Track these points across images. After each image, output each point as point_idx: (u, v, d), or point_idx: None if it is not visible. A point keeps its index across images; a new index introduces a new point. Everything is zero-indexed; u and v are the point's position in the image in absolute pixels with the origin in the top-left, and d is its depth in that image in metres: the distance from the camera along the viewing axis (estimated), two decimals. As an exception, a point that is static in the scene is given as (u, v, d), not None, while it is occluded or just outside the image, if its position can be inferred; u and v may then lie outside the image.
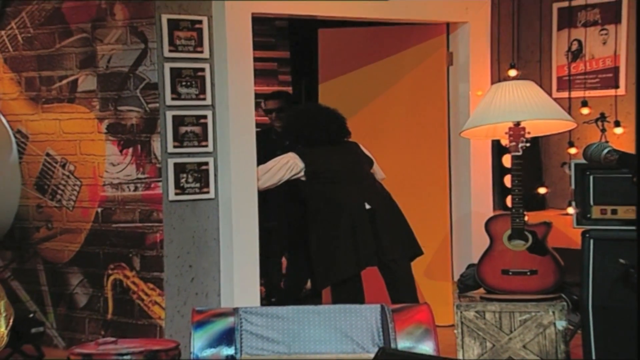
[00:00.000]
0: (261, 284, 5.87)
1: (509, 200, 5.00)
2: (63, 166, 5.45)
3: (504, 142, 4.74)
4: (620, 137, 5.64)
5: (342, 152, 5.38)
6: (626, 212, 4.36)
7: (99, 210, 5.31)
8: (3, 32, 5.61)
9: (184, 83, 5.11)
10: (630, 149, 4.46)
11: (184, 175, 5.12)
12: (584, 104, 5.81)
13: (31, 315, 5.38)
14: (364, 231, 5.18)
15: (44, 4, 5.42)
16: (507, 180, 5.43)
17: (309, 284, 7.08)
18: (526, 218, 4.60)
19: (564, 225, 5.24)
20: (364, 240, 5.16)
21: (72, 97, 5.38)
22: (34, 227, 5.60)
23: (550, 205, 6.10)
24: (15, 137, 5.57)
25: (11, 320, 4.94)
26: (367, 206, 5.21)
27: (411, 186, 5.97)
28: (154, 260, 5.11)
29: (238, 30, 5.18)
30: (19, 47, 5.56)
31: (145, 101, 5.10)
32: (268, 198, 6.17)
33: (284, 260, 7.10)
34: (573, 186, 4.56)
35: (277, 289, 6.93)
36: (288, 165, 5.24)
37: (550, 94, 5.36)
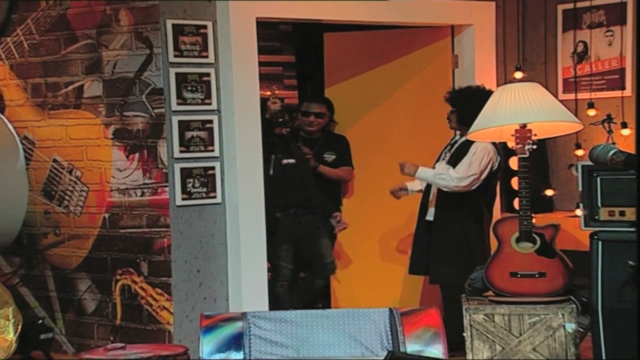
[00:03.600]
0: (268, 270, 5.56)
1: (516, 203, 4.99)
2: (70, 172, 5.45)
3: (511, 144, 4.73)
4: (627, 139, 5.62)
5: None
6: (634, 213, 4.34)
7: (106, 215, 5.31)
8: (9, 39, 5.61)
9: (189, 88, 5.11)
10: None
11: (191, 180, 5.12)
12: (591, 105, 5.80)
13: (40, 321, 5.38)
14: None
15: (49, 11, 5.42)
16: (514, 182, 5.41)
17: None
18: (534, 220, 4.59)
19: (572, 227, 5.22)
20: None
21: (78, 103, 5.38)
22: (42, 233, 5.60)
23: (557, 207, 6.09)
24: (22, 143, 5.57)
25: (20, 327, 4.95)
26: None
27: (418, 189, 5.96)
28: (161, 265, 5.11)
29: (243, 34, 5.19)
30: (24, 53, 5.56)
31: (151, 106, 5.10)
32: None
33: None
34: (580, 188, 4.55)
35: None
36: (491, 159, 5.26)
37: (556, 96, 5.34)
